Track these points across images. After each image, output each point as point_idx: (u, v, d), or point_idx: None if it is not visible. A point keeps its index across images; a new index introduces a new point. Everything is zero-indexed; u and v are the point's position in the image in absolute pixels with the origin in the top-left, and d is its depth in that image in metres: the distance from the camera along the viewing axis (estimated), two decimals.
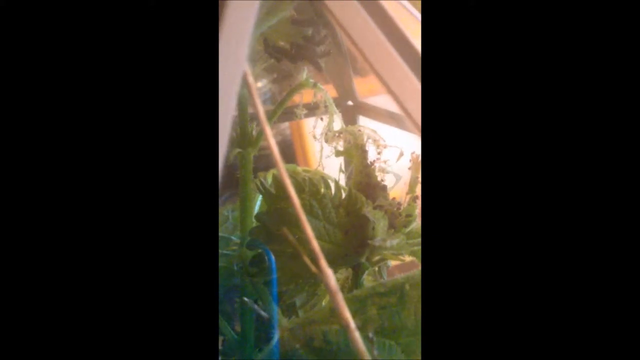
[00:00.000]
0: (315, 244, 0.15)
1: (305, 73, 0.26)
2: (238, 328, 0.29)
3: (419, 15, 0.26)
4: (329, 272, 0.15)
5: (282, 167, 0.14)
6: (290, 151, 0.77)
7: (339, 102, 0.43)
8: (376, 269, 0.29)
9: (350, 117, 0.44)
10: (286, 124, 0.76)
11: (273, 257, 0.24)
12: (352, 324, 0.16)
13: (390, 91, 0.16)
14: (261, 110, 0.15)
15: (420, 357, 0.24)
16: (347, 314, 0.16)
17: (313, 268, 0.18)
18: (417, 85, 0.16)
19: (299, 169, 0.35)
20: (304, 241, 0.21)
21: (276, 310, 0.24)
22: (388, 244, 0.22)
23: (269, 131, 0.15)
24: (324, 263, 0.15)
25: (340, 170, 0.30)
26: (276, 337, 0.24)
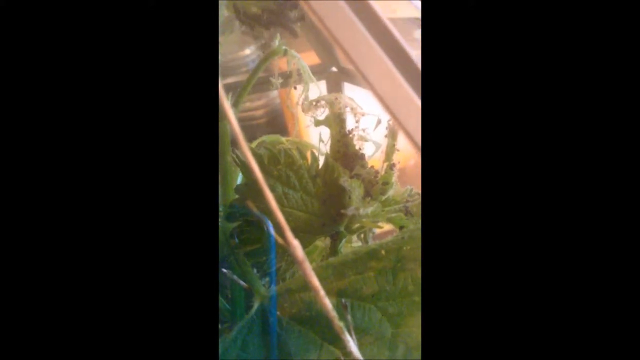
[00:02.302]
0: (280, 216, 0.15)
1: (277, 40, 0.25)
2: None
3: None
4: (295, 243, 0.16)
5: (243, 141, 0.14)
6: (280, 121, 0.76)
7: (323, 69, 0.42)
8: (362, 236, 0.30)
9: (335, 84, 0.43)
10: (276, 93, 0.75)
11: (271, 224, 0.24)
12: (322, 291, 0.17)
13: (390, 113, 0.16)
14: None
15: (400, 320, 0.25)
16: (316, 282, 0.17)
17: (279, 240, 0.19)
18: (417, 103, 0.16)
19: (283, 139, 0.35)
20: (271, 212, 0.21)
21: (274, 269, 0.24)
22: (362, 212, 0.22)
23: (227, 104, 0.15)
24: (289, 234, 0.15)
25: (320, 139, 0.30)
26: (274, 298, 0.24)
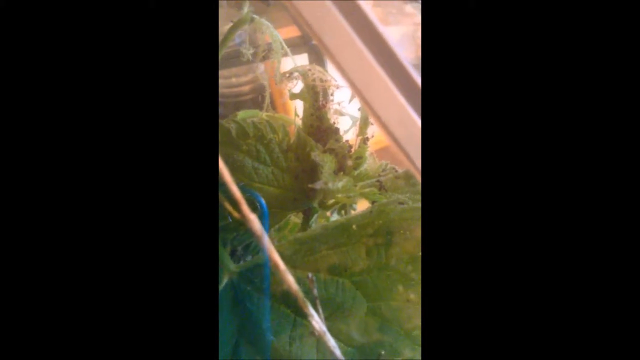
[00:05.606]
0: (234, 189, 0.15)
1: (246, 8, 0.24)
2: None
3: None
4: (251, 216, 0.15)
5: None
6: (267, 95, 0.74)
7: (304, 41, 0.41)
8: (342, 212, 0.30)
9: (317, 57, 0.42)
10: (263, 68, 0.73)
11: (263, 201, 0.23)
12: (282, 266, 0.17)
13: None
14: None
15: (375, 294, 0.25)
16: (276, 257, 0.16)
17: (235, 214, 0.18)
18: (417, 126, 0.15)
19: (262, 113, 0.34)
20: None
21: (267, 233, 0.24)
22: (331, 186, 0.22)
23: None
24: (245, 208, 0.15)
25: (295, 114, 0.29)
26: (268, 273, 0.24)
